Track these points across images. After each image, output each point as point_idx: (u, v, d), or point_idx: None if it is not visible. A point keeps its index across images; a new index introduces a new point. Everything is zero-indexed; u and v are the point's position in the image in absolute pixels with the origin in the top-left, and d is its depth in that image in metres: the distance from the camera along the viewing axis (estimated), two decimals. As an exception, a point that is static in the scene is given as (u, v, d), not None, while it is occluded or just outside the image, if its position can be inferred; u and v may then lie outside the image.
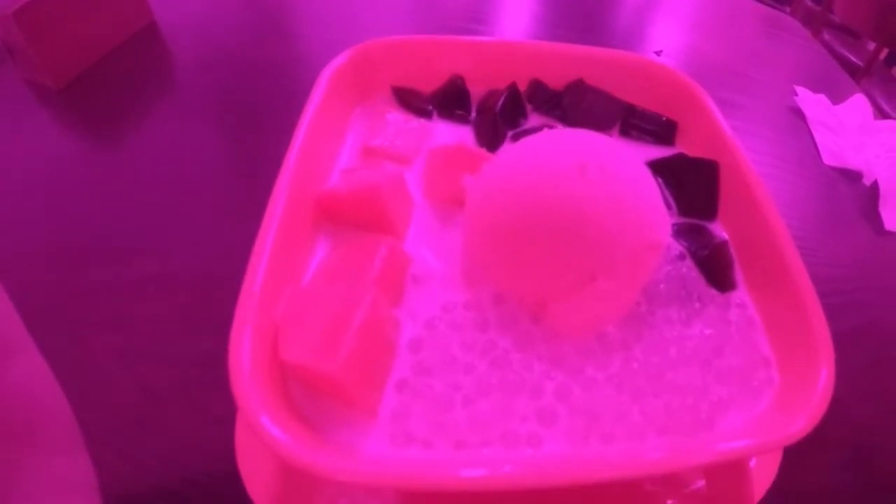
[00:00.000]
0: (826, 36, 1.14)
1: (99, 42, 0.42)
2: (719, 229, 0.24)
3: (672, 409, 0.18)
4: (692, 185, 0.24)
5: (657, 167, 0.25)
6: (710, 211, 0.24)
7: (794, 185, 0.40)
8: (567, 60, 0.27)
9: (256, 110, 0.40)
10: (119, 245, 0.30)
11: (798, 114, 0.46)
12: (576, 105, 0.26)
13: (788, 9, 1.08)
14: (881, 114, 0.87)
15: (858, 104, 0.47)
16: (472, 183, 0.21)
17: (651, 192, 0.19)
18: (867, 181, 0.40)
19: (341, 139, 0.24)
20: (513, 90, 0.26)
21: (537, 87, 0.27)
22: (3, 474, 0.19)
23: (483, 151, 0.23)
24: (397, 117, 0.25)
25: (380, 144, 0.23)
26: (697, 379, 0.18)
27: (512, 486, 0.14)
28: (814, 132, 0.43)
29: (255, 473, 0.19)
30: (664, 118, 0.27)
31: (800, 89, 0.48)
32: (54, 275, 0.28)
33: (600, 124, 0.26)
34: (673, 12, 0.62)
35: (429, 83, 0.27)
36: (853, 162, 0.41)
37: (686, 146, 0.27)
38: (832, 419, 0.23)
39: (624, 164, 0.18)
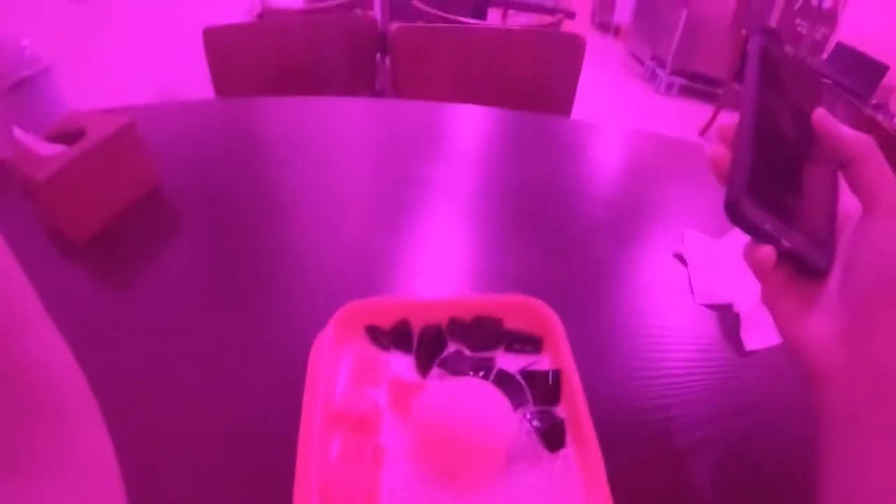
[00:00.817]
0: None
1: (113, 203, 0.68)
2: (560, 410, 0.56)
3: (517, 519, 0.48)
4: (543, 388, 0.56)
5: (524, 375, 0.57)
6: (554, 400, 0.56)
7: (666, 326, 0.69)
8: (471, 305, 0.60)
9: (251, 259, 0.70)
10: (142, 402, 0.54)
11: (681, 259, 0.77)
12: (476, 335, 0.59)
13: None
14: None
15: (738, 237, 0.77)
16: (415, 405, 0.52)
17: (503, 416, 0.50)
18: (735, 310, 0.70)
19: (338, 368, 0.56)
20: (438, 330, 0.59)
21: (454, 322, 0.60)
22: (19, 449, 0.23)
23: (420, 381, 0.56)
24: (369, 352, 0.57)
25: (361, 375, 0.56)
26: (534, 502, 0.49)
27: None
28: (691, 275, 0.73)
29: None
30: (532, 337, 0.60)
31: (688, 234, 0.79)
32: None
33: (491, 345, 0.59)
34: (585, 173, 0.98)
35: (388, 322, 0.60)
36: (722, 296, 0.70)
37: (549, 351, 0.59)
38: None
39: (489, 404, 0.50)
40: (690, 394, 0.62)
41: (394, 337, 0.59)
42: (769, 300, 0.43)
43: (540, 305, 0.60)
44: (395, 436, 0.53)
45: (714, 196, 0.92)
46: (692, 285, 0.74)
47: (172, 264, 0.69)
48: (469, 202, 0.88)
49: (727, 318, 0.71)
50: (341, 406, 0.52)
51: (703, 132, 2.72)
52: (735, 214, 0.38)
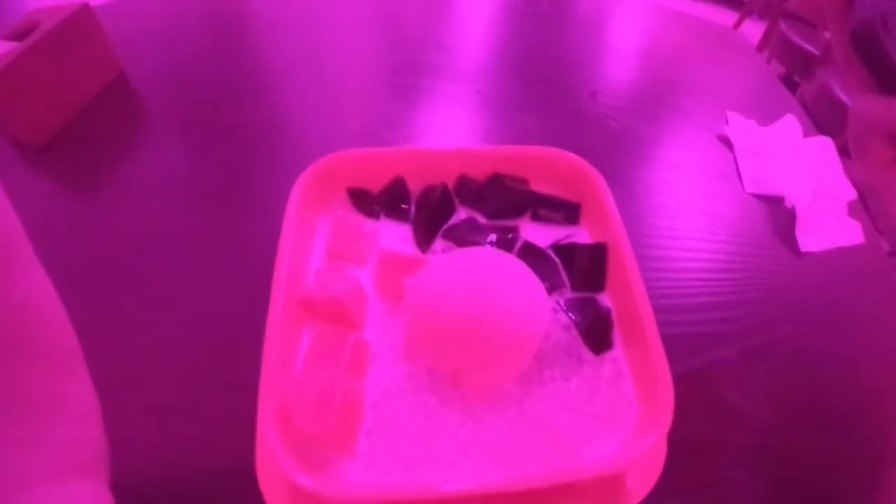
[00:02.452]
0: (783, 26, 1.36)
1: (72, 98, 0.59)
2: (606, 299, 0.41)
3: (550, 441, 0.36)
4: (584, 266, 0.41)
5: (558, 250, 0.42)
6: (598, 285, 0.41)
7: (714, 213, 0.57)
8: (487, 159, 0.44)
9: (229, 152, 0.58)
10: (119, 312, 0.46)
11: (726, 141, 0.63)
12: (494, 199, 0.44)
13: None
14: (835, 105, 1.07)
15: (788, 124, 0.65)
16: (410, 285, 0.38)
17: (534, 296, 0.36)
18: (788, 204, 0.58)
19: (311, 243, 0.42)
20: (444, 191, 0.43)
21: (464, 182, 0.44)
22: (3, 392, 0.23)
23: (418, 255, 0.41)
24: (352, 220, 0.43)
25: (340, 249, 0.41)
26: (570, 420, 0.36)
27: (441, 498, 0.32)
28: (738, 159, 0.61)
29: (273, 491, 0.36)
30: (568, 203, 0.44)
31: (731, 115, 0.65)
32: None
33: (514, 212, 0.44)
34: (614, 45, 0.80)
35: (377, 183, 0.44)
36: (774, 188, 0.58)
37: (588, 223, 0.44)
38: (731, 425, 0.41)
39: (511, 281, 0.36)
40: (744, 293, 0.52)
41: (385, 200, 0.44)
42: None
43: (578, 161, 0.45)
44: (382, 328, 0.39)
45: (755, 82, 0.76)
46: (740, 171, 0.62)
47: (141, 162, 0.58)
48: (485, 74, 0.72)
49: (779, 212, 0.59)
50: (313, 289, 0.38)
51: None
52: None
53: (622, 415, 0.37)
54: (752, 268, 0.53)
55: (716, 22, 0.95)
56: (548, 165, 0.45)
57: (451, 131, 0.62)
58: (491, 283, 0.35)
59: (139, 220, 0.52)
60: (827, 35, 1.30)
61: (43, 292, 0.26)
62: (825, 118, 0.81)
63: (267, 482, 0.35)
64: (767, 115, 0.67)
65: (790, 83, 1.46)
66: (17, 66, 0.52)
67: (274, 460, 0.32)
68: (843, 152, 0.65)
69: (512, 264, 0.37)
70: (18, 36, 0.55)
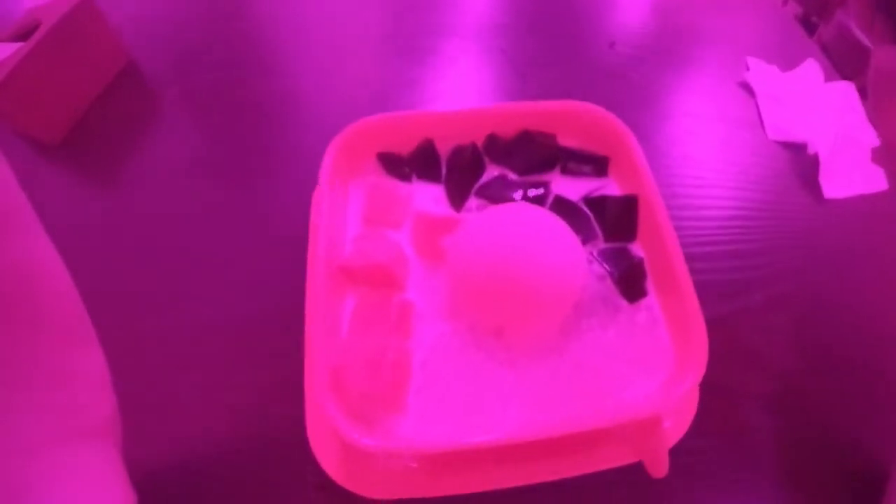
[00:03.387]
0: None
1: (82, 93, 0.59)
2: (638, 249, 0.42)
3: (590, 388, 0.37)
4: (616, 217, 0.42)
5: (589, 203, 0.43)
6: (630, 235, 0.42)
7: (737, 162, 0.57)
8: (515, 116, 0.45)
9: (248, 131, 0.58)
10: (155, 299, 0.47)
11: (747, 88, 0.63)
12: (523, 155, 0.44)
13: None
14: (854, 47, 1.05)
15: (810, 70, 0.64)
16: (449, 245, 0.39)
17: (570, 249, 0.37)
18: (811, 151, 0.58)
19: (345, 210, 0.43)
20: (473, 150, 0.44)
21: (493, 140, 0.45)
22: (10, 355, 0.23)
23: (454, 215, 0.42)
24: (385, 186, 0.43)
25: (376, 215, 0.42)
26: (608, 366, 0.38)
27: (489, 446, 0.34)
28: (760, 106, 0.60)
29: (325, 453, 0.39)
30: (596, 156, 0.45)
31: (752, 61, 0.64)
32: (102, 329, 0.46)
33: (544, 167, 0.45)
34: (625, 3, 0.78)
35: (406, 146, 0.45)
36: (797, 134, 0.58)
37: (617, 175, 0.45)
38: (756, 371, 0.43)
39: (547, 235, 0.37)
40: (768, 241, 0.53)
41: (416, 163, 0.45)
42: None
43: (604, 114, 0.45)
44: (424, 288, 0.40)
45: (773, 25, 0.74)
46: (763, 118, 0.61)
47: (159, 149, 0.58)
48: (502, 31, 0.70)
49: (802, 159, 0.59)
50: (353, 256, 0.39)
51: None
52: None
53: (658, 360, 0.39)
54: (776, 216, 0.54)
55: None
56: (575, 120, 0.45)
57: (472, 91, 0.62)
58: (528, 238, 0.37)
59: (164, 208, 0.53)
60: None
61: (46, 259, 0.25)
62: (844, 60, 0.79)
63: (319, 445, 0.36)
64: (787, 60, 0.66)
65: (808, 24, 1.42)
66: (24, 67, 0.52)
67: (326, 422, 0.33)
68: (864, 95, 0.64)
69: (546, 218, 0.38)
70: (21, 36, 0.54)
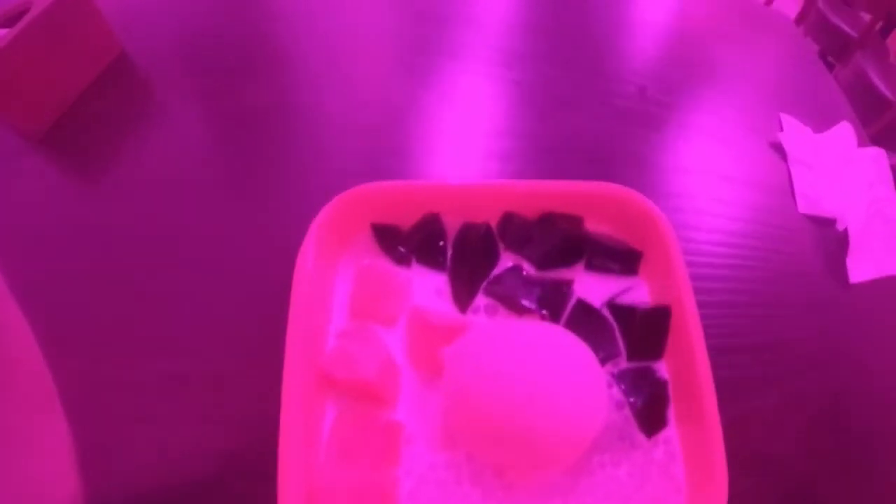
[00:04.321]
0: (820, 4, 1.24)
1: (70, 85, 0.55)
2: (663, 369, 0.37)
3: (596, 539, 0.33)
4: (643, 332, 0.37)
5: (614, 310, 0.38)
6: (657, 353, 0.37)
7: (763, 236, 0.52)
8: (537, 196, 0.38)
9: (241, 136, 0.53)
10: (125, 326, 0.41)
11: (779, 149, 0.57)
12: (543, 244, 0.38)
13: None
14: (870, 92, 1.00)
15: (843, 133, 0.58)
16: (449, 358, 0.34)
17: (594, 392, 0.32)
18: (840, 227, 0.53)
19: (331, 294, 0.37)
20: (486, 233, 0.38)
21: (509, 221, 0.39)
22: None
23: (457, 318, 0.36)
24: (378, 269, 0.37)
25: (366, 307, 0.36)
26: (618, 513, 0.34)
27: None
28: (793, 174, 0.55)
29: None
30: (627, 250, 0.39)
31: (785, 119, 0.58)
32: (66, 365, 0.37)
33: (566, 259, 0.39)
34: (651, 38, 0.70)
35: (407, 218, 0.38)
36: (828, 208, 0.53)
37: (648, 275, 0.39)
38: (766, 476, 0.39)
39: (570, 373, 0.31)
40: (787, 333, 0.48)
41: (417, 242, 0.38)
42: None
43: (642, 202, 0.39)
44: (417, 408, 0.35)
45: (807, 74, 0.68)
46: (794, 187, 0.55)
47: (147, 148, 0.53)
48: (519, 58, 0.63)
49: (830, 235, 0.54)
50: (335, 364, 0.33)
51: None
52: None
53: (669, 501, 0.34)
54: (799, 302, 0.49)
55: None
56: (607, 203, 0.39)
57: (484, 128, 0.55)
58: (543, 371, 0.31)
59: (146, 211, 0.48)
60: (866, 17, 1.20)
61: (15, 330, 0.26)
62: (859, 105, 0.74)
63: None
64: (817, 114, 0.60)
65: (825, 63, 1.38)
66: (9, 53, 0.48)
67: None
68: (875, 140, 0.61)
69: (571, 349, 0.33)
70: (9, 21, 0.51)
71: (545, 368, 0.31)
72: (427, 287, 0.38)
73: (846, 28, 1.27)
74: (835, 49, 1.32)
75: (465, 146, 0.53)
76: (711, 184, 0.55)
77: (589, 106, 0.57)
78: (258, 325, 0.40)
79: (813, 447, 0.43)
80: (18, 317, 0.25)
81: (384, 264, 0.38)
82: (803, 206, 0.54)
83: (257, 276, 0.44)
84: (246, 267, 0.45)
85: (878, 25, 1.21)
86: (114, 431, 0.37)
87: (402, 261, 0.38)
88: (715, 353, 0.43)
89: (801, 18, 1.40)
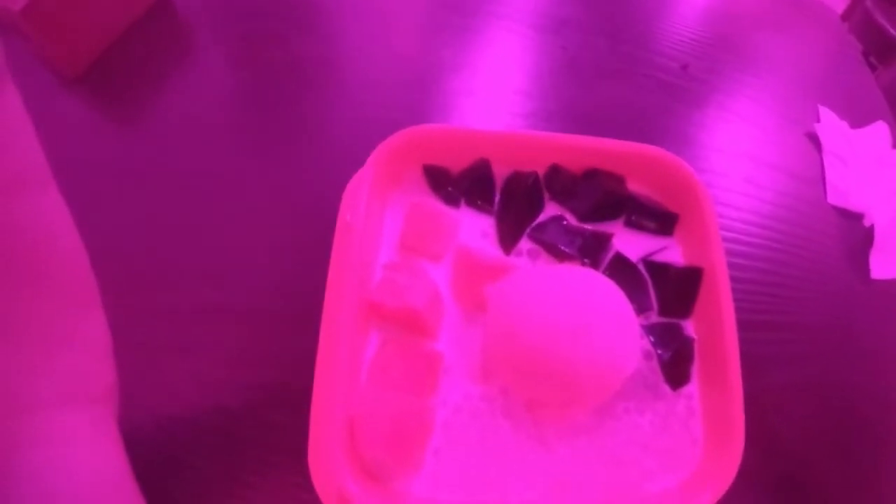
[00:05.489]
0: (868, 3, 1.23)
1: (111, 24, 0.53)
2: (690, 328, 0.39)
3: (613, 476, 0.35)
4: (675, 291, 0.39)
5: (650, 267, 0.40)
6: (686, 311, 0.39)
7: (789, 220, 0.54)
8: (583, 151, 0.40)
9: (281, 90, 0.53)
10: (158, 265, 0.43)
11: (815, 140, 0.59)
12: (587, 198, 0.40)
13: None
14: None
15: (878, 132, 0.59)
16: (492, 296, 0.36)
17: (628, 334, 0.34)
18: (867, 223, 0.54)
19: (381, 228, 0.38)
20: (534, 182, 0.39)
21: (555, 173, 0.40)
22: (14, 314, 0.23)
23: (501, 259, 0.38)
24: (428, 208, 0.39)
25: (414, 242, 0.38)
26: (636, 456, 0.36)
27: None
28: (826, 165, 0.56)
29: (326, 489, 0.36)
30: (665, 212, 0.41)
31: (823, 112, 0.60)
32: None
33: (607, 215, 0.41)
34: (698, 17, 0.70)
35: (457, 162, 0.40)
36: (856, 202, 0.54)
37: (683, 237, 0.41)
38: (769, 455, 0.41)
39: (608, 318, 0.33)
40: (803, 316, 0.50)
41: (467, 185, 0.40)
42: None
43: (682, 167, 0.41)
44: (457, 341, 0.37)
45: (848, 70, 0.69)
46: (826, 178, 0.57)
47: (185, 96, 0.52)
48: (561, 22, 0.63)
49: (856, 229, 0.55)
50: (385, 293, 0.35)
51: None
52: None
53: (687, 455, 0.37)
54: (818, 289, 0.51)
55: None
56: (650, 165, 0.41)
57: (528, 89, 0.56)
58: (587, 319, 0.33)
59: (182, 163, 0.47)
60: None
61: (57, 219, 0.25)
62: None
63: (321, 479, 0.34)
64: (855, 111, 0.61)
65: (867, 63, 1.37)
66: None
67: (333, 478, 0.31)
68: None
69: (610, 295, 0.34)
70: None
71: (584, 309, 0.33)
72: (474, 228, 0.39)
73: (891, 30, 1.26)
74: (878, 50, 1.31)
75: (507, 105, 0.54)
76: (745, 166, 0.56)
77: (632, 77, 0.58)
78: (300, 261, 0.42)
79: (817, 431, 0.45)
80: (62, 209, 0.25)
81: (434, 203, 0.39)
82: (833, 198, 0.55)
83: (300, 215, 0.45)
84: (288, 206, 0.46)
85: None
86: (150, 357, 0.39)
87: (451, 201, 0.40)
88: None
89: (847, 15, 1.39)
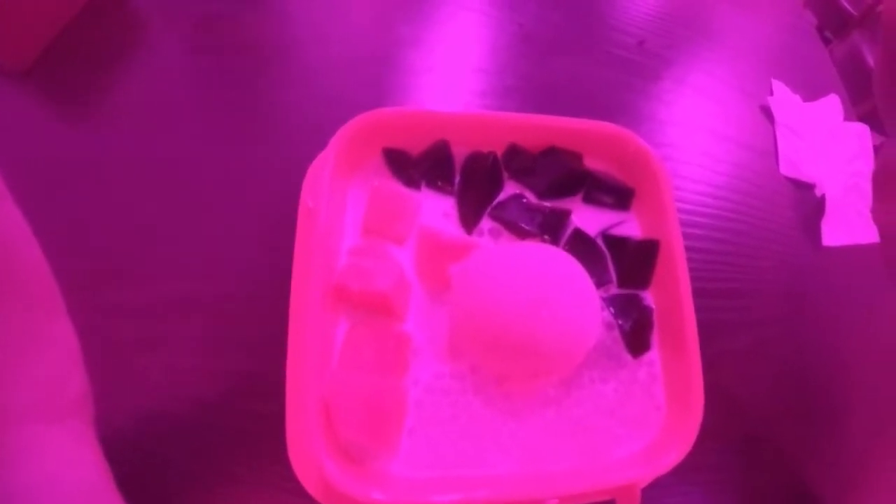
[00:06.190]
0: None
1: (57, 13, 0.50)
2: (649, 298, 0.41)
3: (582, 444, 0.37)
4: (633, 262, 0.40)
5: (608, 241, 0.41)
6: (644, 282, 0.41)
7: (742, 191, 0.56)
8: (541, 129, 0.41)
9: (238, 74, 0.52)
10: (120, 261, 0.42)
11: (768, 113, 0.61)
12: (546, 175, 0.41)
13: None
14: (863, 71, 1.04)
15: (830, 105, 0.62)
16: (456, 275, 0.37)
17: (590, 308, 0.35)
18: (818, 193, 0.57)
19: (343, 214, 0.39)
20: (493, 163, 0.40)
21: (514, 152, 0.41)
22: None
23: (463, 238, 0.39)
24: (389, 191, 0.39)
25: (377, 225, 0.38)
26: (603, 423, 0.37)
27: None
28: (778, 137, 0.59)
29: (305, 470, 0.36)
30: (622, 187, 0.42)
31: (776, 85, 0.62)
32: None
33: (566, 191, 0.42)
34: None
35: (417, 145, 0.41)
36: (808, 173, 0.57)
37: (640, 210, 0.43)
38: (730, 416, 0.43)
39: (569, 291, 0.34)
40: (759, 283, 0.52)
41: (426, 167, 0.41)
42: None
43: (638, 144, 0.42)
44: (424, 321, 0.38)
45: (802, 45, 0.71)
46: (779, 150, 0.59)
47: (138, 86, 0.50)
48: (516, 1, 0.63)
49: (808, 199, 0.58)
50: (351, 277, 0.36)
51: None
52: None
53: (650, 420, 0.39)
54: (772, 257, 0.53)
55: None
56: (606, 142, 0.42)
57: (484, 66, 0.56)
58: (545, 288, 0.34)
59: (138, 152, 0.46)
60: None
61: (18, 229, 0.25)
62: (850, 83, 0.78)
63: (300, 464, 0.34)
64: (808, 85, 0.64)
65: (822, 39, 1.42)
66: None
67: (312, 460, 0.32)
68: (863, 119, 0.64)
69: (570, 269, 0.36)
70: None
71: (546, 284, 0.34)
72: (435, 210, 0.40)
73: (847, 6, 1.30)
74: (833, 25, 1.35)
75: (465, 83, 0.54)
76: (700, 138, 0.58)
77: (589, 53, 0.59)
78: (264, 248, 0.42)
79: (776, 393, 0.47)
80: (20, 219, 0.25)
81: (395, 186, 0.40)
82: (785, 169, 0.57)
83: (262, 201, 0.45)
84: (250, 192, 0.46)
85: (879, 7, 1.25)
86: (120, 355, 0.39)
87: (411, 184, 0.40)
88: (692, 294, 0.47)
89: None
